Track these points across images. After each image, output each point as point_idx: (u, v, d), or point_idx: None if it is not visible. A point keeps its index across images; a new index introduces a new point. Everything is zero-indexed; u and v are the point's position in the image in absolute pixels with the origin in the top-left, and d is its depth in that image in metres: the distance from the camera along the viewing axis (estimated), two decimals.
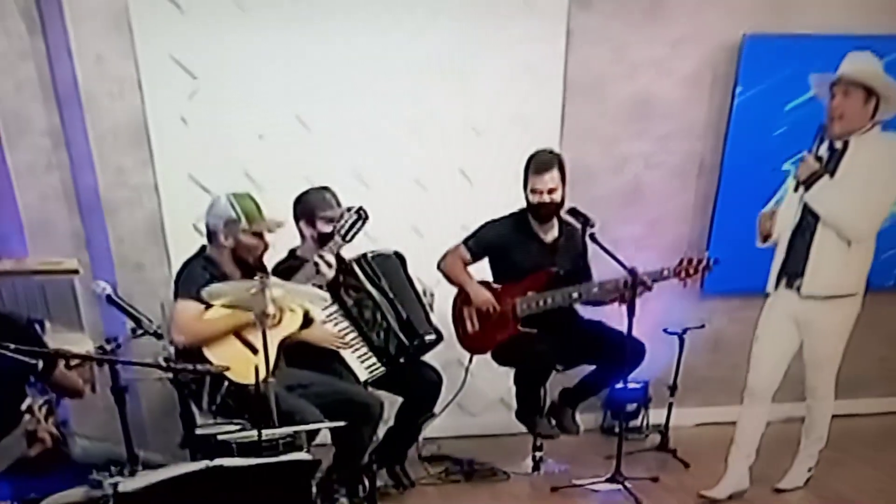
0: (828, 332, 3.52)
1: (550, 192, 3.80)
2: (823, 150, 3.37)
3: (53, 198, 4.09)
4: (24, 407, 2.41)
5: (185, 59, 4.01)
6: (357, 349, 3.88)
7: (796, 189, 3.37)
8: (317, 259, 3.57)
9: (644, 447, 4.57)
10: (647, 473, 4.07)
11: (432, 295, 4.09)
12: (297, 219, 3.74)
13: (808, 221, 3.38)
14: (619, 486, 3.91)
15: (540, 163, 3.82)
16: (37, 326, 3.08)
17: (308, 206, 3.72)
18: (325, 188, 3.77)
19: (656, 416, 4.76)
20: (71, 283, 3.87)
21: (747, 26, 4.29)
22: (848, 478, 4.12)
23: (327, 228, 3.66)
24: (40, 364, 2.57)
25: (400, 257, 4.02)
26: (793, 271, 3.47)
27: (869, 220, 3.34)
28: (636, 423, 4.87)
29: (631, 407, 4.79)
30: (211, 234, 3.47)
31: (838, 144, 3.31)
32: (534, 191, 3.82)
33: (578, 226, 3.76)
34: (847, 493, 3.95)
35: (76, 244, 4.18)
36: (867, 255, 3.45)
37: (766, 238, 3.63)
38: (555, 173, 3.80)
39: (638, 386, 4.74)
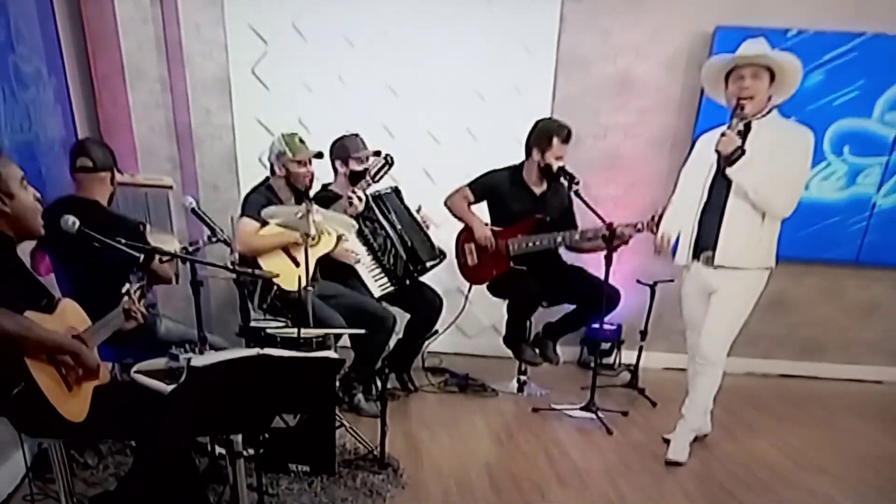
0: (731, 300, 3.54)
1: (561, 158, 4.17)
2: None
3: (158, 130, 4.65)
4: (123, 290, 2.55)
5: (260, 28, 4.62)
6: (371, 270, 4.31)
7: (720, 166, 3.38)
8: (350, 194, 3.98)
9: (615, 383, 4.82)
10: (618, 407, 4.33)
11: (427, 222, 4.40)
12: (332, 158, 4.18)
13: (718, 197, 3.44)
14: (593, 415, 4.18)
15: (567, 134, 4.16)
16: (140, 227, 3.30)
17: (343, 149, 4.14)
18: (356, 134, 4.18)
19: (628, 356, 4.99)
20: (167, 195, 4.18)
21: (719, 18, 4.52)
22: (804, 435, 4.28)
23: (358, 167, 4.09)
24: (142, 257, 2.72)
25: (396, 190, 4.42)
26: (704, 245, 3.53)
27: (788, 196, 3.35)
28: (609, 360, 5.11)
29: (605, 345, 5.06)
30: (272, 168, 3.95)
31: (740, 126, 3.35)
32: (557, 157, 4.15)
33: (565, 183, 4.13)
34: (802, 448, 4.07)
35: (172, 166, 4.71)
36: (774, 233, 3.47)
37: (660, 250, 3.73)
38: (569, 145, 4.19)
39: (613, 327, 5.00)
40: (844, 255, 4.99)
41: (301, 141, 3.91)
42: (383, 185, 4.31)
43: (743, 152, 3.29)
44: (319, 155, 3.99)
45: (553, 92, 4.76)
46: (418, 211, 4.44)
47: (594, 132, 4.82)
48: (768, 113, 3.39)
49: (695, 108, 4.73)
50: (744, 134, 3.37)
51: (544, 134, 4.19)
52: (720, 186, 3.44)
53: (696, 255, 3.60)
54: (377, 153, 4.12)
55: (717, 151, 3.36)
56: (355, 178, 4.12)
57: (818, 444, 4.18)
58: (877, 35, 4.52)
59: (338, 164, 4.18)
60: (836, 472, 3.83)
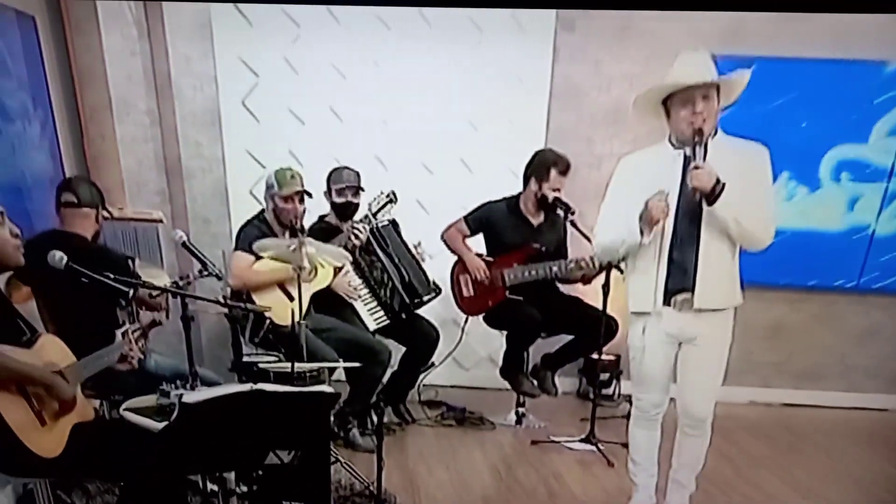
0: (716, 346, 3.09)
1: (558, 190, 4.17)
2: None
3: (147, 163, 4.56)
4: (121, 332, 2.55)
5: (251, 61, 4.63)
6: (367, 303, 4.28)
7: (700, 203, 2.84)
8: (352, 229, 3.97)
9: (616, 414, 4.69)
10: (619, 438, 4.13)
11: (423, 256, 4.39)
12: (327, 189, 4.15)
13: (686, 233, 2.95)
14: (593, 447, 4.15)
15: (565, 165, 4.16)
16: (129, 262, 3.27)
17: (328, 180, 4.13)
18: (346, 167, 4.16)
19: (628, 387, 4.47)
20: (156, 229, 4.21)
21: (709, 47, 3.94)
22: (804, 463, 4.23)
23: (338, 199, 4.11)
24: (131, 291, 2.76)
25: (393, 223, 4.38)
26: (677, 287, 3.00)
27: (768, 223, 2.95)
28: (609, 391, 5.03)
29: (605, 376, 4.97)
30: (265, 202, 3.93)
31: (687, 151, 2.89)
32: (554, 189, 4.16)
33: (561, 213, 4.16)
34: (802, 478, 4.02)
35: (161, 200, 4.66)
36: (737, 265, 3.04)
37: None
38: (567, 177, 4.18)
39: (612, 358, 4.90)
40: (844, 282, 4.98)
41: (293, 176, 3.86)
42: (381, 218, 4.29)
43: (723, 184, 2.79)
44: (308, 194, 3.95)
45: (547, 122, 4.77)
46: (417, 246, 4.42)
47: (588, 161, 4.81)
48: (716, 133, 2.95)
49: None
50: (698, 156, 2.87)
51: (542, 165, 4.20)
52: (687, 221, 2.95)
53: (666, 301, 3.04)
54: (359, 188, 4.12)
55: (695, 189, 2.82)
56: (338, 210, 4.15)
57: (820, 473, 4.15)
58: (859, 61, 4.53)
59: (326, 195, 4.17)
60: (837, 500, 3.81)
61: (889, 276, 4.95)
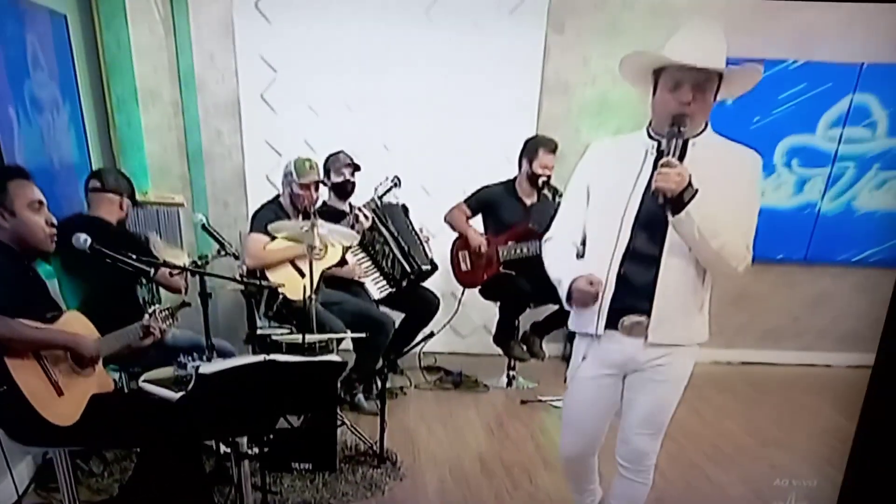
0: (672, 373, 2.24)
1: (549, 168, 4.10)
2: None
3: (170, 150, 4.43)
4: (149, 310, 2.48)
5: (269, 57, 4.45)
6: (370, 274, 4.21)
7: (665, 207, 2.03)
8: (357, 212, 3.82)
9: None
10: None
11: (427, 236, 4.30)
12: (325, 175, 4.00)
13: (645, 245, 2.13)
14: None
15: (553, 145, 4.10)
16: (145, 241, 3.18)
17: (326, 163, 4.02)
18: (340, 151, 4.04)
19: None
20: (177, 212, 4.10)
21: None
22: (764, 414, 4.32)
23: (337, 178, 3.97)
24: (152, 270, 2.66)
25: (404, 207, 4.31)
26: (628, 308, 2.17)
27: (746, 243, 2.11)
28: None
29: None
30: (282, 187, 3.81)
31: (663, 144, 2.09)
32: (536, 167, 4.08)
33: (550, 195, 4.11)
34: (762, 427, 4.08)
35: (183, 184, 4.53)
36: (708, 293, 2.22)
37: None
38: (554, 156, 4.10)
39: None
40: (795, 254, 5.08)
41: (311, 167, 3.74)
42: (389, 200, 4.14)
43: (695, 191, 1.99)
44: (323, 183, 3.88)
45: (538, 113, 4.67)
46: (421, 231, 4.32)
47: (576, 149, 4.39)
48: (704, 129, 2.15)
49: None
50: (673, 152, 2.06)
51: (532, 146, 4.15)
52: (649, 230, 2.13)
53: (613, 323, 2.20)
54: (356, 167, 4.00)
55: (658, 191, 2.01)
56: (337, 189, 4.02)
57: (777, 422, 4.21)
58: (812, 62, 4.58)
59: (325, 178, 4.02)
60: (793, 446, 3.86)
61: (833, 248, 5.05)
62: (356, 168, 4.02)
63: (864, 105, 4.65)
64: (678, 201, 2.00)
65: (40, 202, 2.24)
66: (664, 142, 2.08)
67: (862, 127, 4.70)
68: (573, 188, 2.32)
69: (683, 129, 2.05)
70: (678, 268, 2.13)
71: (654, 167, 2.08)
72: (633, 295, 2.17)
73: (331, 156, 4.06)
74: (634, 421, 2.32)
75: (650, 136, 2.18)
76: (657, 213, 2.08)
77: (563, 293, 2.21)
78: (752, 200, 2.16)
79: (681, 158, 2.06)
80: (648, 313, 2.16)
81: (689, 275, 2.14)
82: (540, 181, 4.11)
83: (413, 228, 4.29)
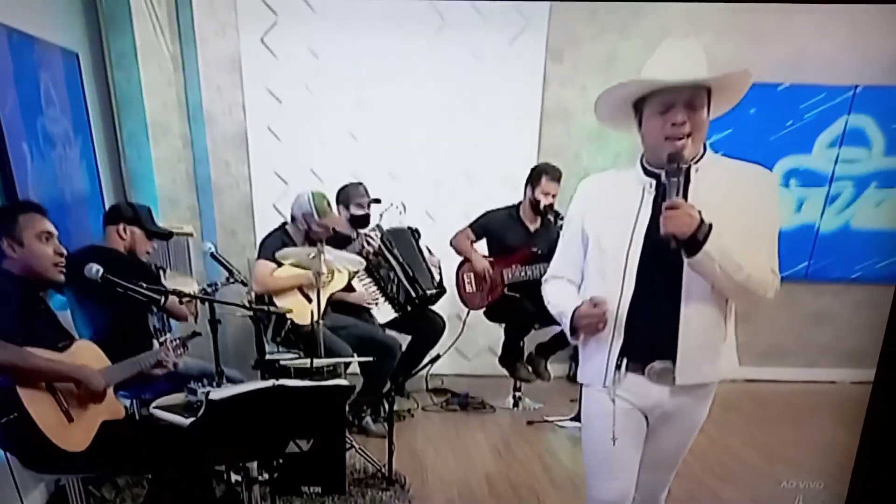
0: (693, 418, 2.13)
1: (552, 196, 4.13)
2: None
3: (179, 181, 4.48)
4: (160, 341, 2.57)
5: (276, 89, 4.49)
6: (377, 298, 4.19)
7: (679, 250, 1.82)
8: (364, 238, 3.93)
9: None
10: None
11: (437, 262, 4.32)
12: (337, 203, 4.03)
13: (658, 285, 1.94)
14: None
15: (557, 174, 4.13)
16: (160, 272, 3.26)
17: (346, 195, 4.04)
18: (360, 183, 4.07)
19: None
20: (187, 241, 4.14)
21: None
22: (769, 432, 4.26)
23: (359, 212, 4.00)
24: (163, 299, 2.77)
25: (412, 231, 4.32)
26: (648, 354, 2.00)
27: (773, 275, 1.99)
28: None
29: None
30: (293, 217, 3.79)
31: (663, 178, 1.88)
32: (539, 193, 4.12)
33: (553, 220, 4.15)
34: (768, 444, 4.04)
35: (192, 214, 4.57)
36: (733, 320, 2.08)
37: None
38: (559, 184, 4.13)
39: None
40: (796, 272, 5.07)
41: (329, 205, 3.76)
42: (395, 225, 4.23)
43: (709, 227, 1.79)
44: (342, 224, 3.93)
45: (539, 140, 4.70)
46: (430, 253, 4.35)
47: (577, 173, 4.54)
48: (704, 151, 1.95)
49: None
50: (677, 190, 1.83)
51: (536, 173, 4.17)
52: (659, 271, 1.94)
53: (635, 369, 2.03)
54: (376, 200, 4.04)
55: (669, 236, 1.81)
56: (356, 221, 4.03)
57: (783, 439, 4.17)
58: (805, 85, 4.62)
59: (340, 208, 4.04)
60: (799, 462, 3.83)
61: (833, 265, 5.04)
62: (376, 201, 4.05)
63: (860, 126, 4.67)
64: (692, 242, 1.80)
65: (49, 233, 2.28)
66: (663, 176, 1.88)
67: (858, 147, 4.72)
68: (568, 229, 2.17)
69: (683, 165, 1.83)
70: (699, 304, 1.94)
71: (655, 205, 1.92)
72: (652, 339, 1.98)
73: (350, 187, 4.06)
74: (654, 461, 2.18)
75: (646, 172, 1.98)
76: (664, 252, 1.87)
77: (566, 324, 2.05)
78: (772, 221, 1.99)
79: (685, 190, 1.84)
80: (672, 357, 1.97)
81: (711, 309, 1.96)
82: (542, 206, 4.13)
83: (421, 252, 4.28)
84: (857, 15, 4.41)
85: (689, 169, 1.86)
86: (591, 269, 2.07)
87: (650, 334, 1.98)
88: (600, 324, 1.96)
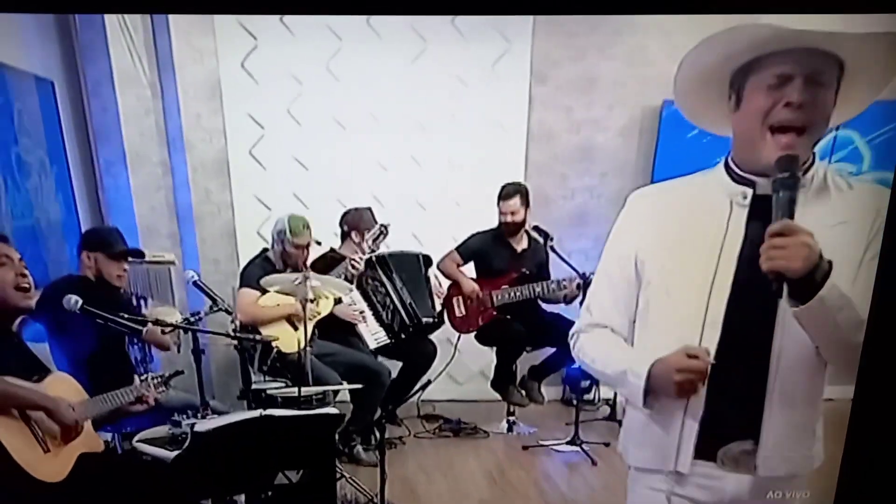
0: None
1: (513, 213, 4.11)
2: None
3: (159, 209, 4.36)
4: (141, 378, 2.50)
5: (257, 115, 4.46)
6: (370, 324, 4.13)
7: (778, 292, 1.34)
8: (350, 260, 3.88)
9: (597, 417, 4.64)
10: (600, 439, 4.15)
11: (443, 293, 4.30)
12: (347, 226, 4.04)
13: (744, 343, 1.48)
14: (578, 448, 4.06)
15: (505, 192, 4.15)
16: (142, 302, 3.34)
17: (360, 220, 4.04)
18: (369, 208, 4.11)
19: (606, 391, 4.82)
20: (168, 270, 4.01)
21: (665, 93, 4.35)
22: None
23: (371, 237, 3.98)
24: (145, 329, 2.68)
25: (421, 258, 4.31)
26: (722, 432, 1.54)
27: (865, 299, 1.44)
28: (590, 396, 4.91)
29: (585, 383, 4.85)
30: (272, 240, 3.76)
31: (760, 189, 1.46)
32: (501, 212, 4.15)
33: (541, 239, 4.13)
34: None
35: (173, 243, 4.44)
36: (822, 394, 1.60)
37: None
38: (516, 200, 4.10)
39: None
40: None
41: (306, 227, 3.69)
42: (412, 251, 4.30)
43: (830, 266, 1.33)
44: (318, 243, 3.80)
45: (525, 160, 4.71)
46: (436, 280, 4.33)
47: (563, 194, 4.80)
48: (814, 161, 1.49)
49: (649, 171, 4.74)
50: (788, 203, 1.35)
51: (498, 193, 4.18)
52: (748, 318, 1.48)
53: (705, 452, 1.56)
54: (383, 226, 4.02)
55: (773, 274, 1.34)
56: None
57: None
58: None
59: (353, 233, 4.02)
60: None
61: None
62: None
63: (849, 138, 4.68)
64: (806, 284, 1.32)
65: (7, 256, 2.16)
66: (759, 185, 1.45)
67: (847, 162, 4.71)
68: (611, 258, 1.68)
69: (799, 175, 1.36)
70: (794, 367, 1.48)
71: (749, 227, 1.47)
72: (730, 411, 1.52)
73: (361, 211, 4.08)
74: None
75: (734, 179, 1.51)
76: (756, 293, 1.41)
77: (638, 386, 1.53)
78: (873, 257, 1.46)
79: (789, 212, 1.35)
80: (755, 436, 1.52)
81: (807, 375, 1.50)
82: (511, 224, 4.13)
83: (427, 280, 4.27)
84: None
85: (794, 181, 1.36)
86: (652, 316, 1.59)
87: (730, 405, 1.52)
88: (700, 381, 1.47)
